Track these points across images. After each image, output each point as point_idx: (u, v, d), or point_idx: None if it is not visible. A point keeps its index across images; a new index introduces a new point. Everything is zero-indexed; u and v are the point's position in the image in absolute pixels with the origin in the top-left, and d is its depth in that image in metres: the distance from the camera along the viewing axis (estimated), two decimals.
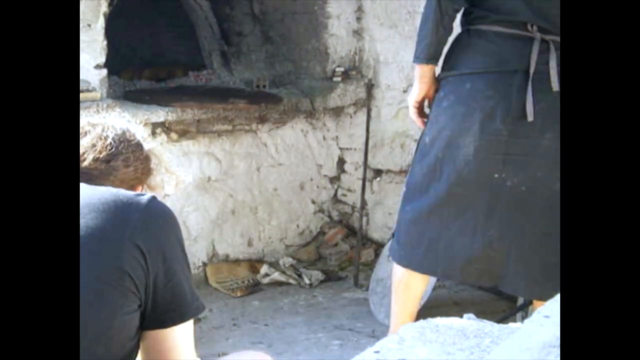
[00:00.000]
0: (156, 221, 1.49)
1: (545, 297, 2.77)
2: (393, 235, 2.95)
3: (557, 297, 1.51)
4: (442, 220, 2.75)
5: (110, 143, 1.67)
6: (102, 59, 3.49)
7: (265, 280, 4.01)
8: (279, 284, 4.02)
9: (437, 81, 2.77)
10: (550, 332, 1.35)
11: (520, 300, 3.57)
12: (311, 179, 4.39)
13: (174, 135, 3.82)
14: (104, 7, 3.48)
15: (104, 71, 3.51)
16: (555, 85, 2.58)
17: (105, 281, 1.42)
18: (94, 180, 1.60)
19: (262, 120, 4.09)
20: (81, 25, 3.35)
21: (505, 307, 3.69)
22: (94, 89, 3.44)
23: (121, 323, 1.45)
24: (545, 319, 1.43)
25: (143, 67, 4.42)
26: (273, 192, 4.22)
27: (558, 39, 2.60)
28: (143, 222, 1.46)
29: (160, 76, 4.38)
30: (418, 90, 2.78)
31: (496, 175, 2.66)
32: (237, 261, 4.14)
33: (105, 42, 3.49)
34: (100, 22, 3.46)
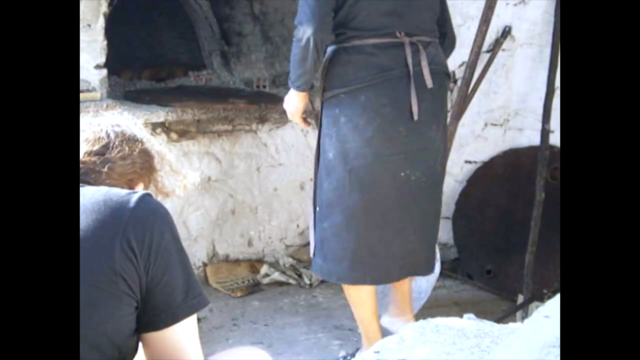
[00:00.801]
0: (147, 219, 1.43)
1: (430, 271, 3.13)
2: (314, 254, 3.05)
3: (557, 297, 1.52)
4: (362, 229, 2.91)
5: (104, 136, 1.64)
6: (102, 59, 3.48)
7: (265, 280, 4.01)
8: (279, 284, 4.02)
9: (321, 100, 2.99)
10: (550, 332, 1.35)
11: (520, 300, 3.58)
12: (311, 179, 4.37)
13: (174, 135, 3.81)
14: (104, 7, 3.48)
15: (104, 71, 3.51)
16: (429, 83, 2.86)
17: (97, 285, 1.38)
18: (89, 174, 1.56)
19: (262, 120, 4.08)
20: (81, 25, 3.35)
21: (505, 307, 3.69)
22: (94, 89, 3.44)
23: (116, 327, 1.42)
24: (545, 319, 1.43)
25: (143, 67, 4.41)
26: (273, 192, 4.22)
27: (423, 38, 2.89)
28: (133, 221, 1.42)
29: (160, 76, 4.38)
30: (299, 109, 3.04)
31: (402, 174, 2.90)
32: (237, 261, 4.14)
33: (105, 42, 3.49)
34: (100, 22, 3.45)
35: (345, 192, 2.90)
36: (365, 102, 2.86)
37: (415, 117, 2.86)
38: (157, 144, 1.75)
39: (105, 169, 1.58)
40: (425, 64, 2.86)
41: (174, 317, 1.47)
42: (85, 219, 1.41)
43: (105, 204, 1.43)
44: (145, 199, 1.46)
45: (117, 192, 1.47)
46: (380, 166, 2.88)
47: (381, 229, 2.92)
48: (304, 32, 2.79)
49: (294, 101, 3.03)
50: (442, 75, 2.98)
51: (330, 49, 2.91)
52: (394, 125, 2.87)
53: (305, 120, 3.15)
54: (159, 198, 1.69)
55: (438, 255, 3.65)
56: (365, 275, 2.97)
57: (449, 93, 3.48)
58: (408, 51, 2.85)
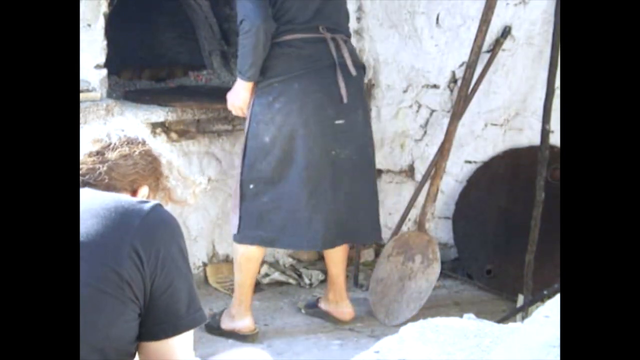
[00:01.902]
0: (157, 228, 1.45)
1: (378, 239, 3.63)
2: (240, 229, 3.36)
3: (557, 297, 1.51)
4: (300, 200, 3.29)
5: (104, 138, 1.64)
6: (102, 59, 3.48)
7: (265, 280, 4.01)
8: (279, 284, 4.02)
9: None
10: (550, 332, 1.35)
11: (521, 300, 3.58)
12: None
13: (174, 135, 3.81)
14: (104, 7, 3.47)
15: (104, 71, 3.51)
16: (352, 71, 3.31)
17: (104, 289, 1.39)
18: (88, 174, 1.56)
19: None
20: (81, 25, 3.35)
21: (505, 307, 3.69)
22: (94, 89, 3.44)
23: (119, 332, 1.42)
24: (545, 319, 1.44)
25: (143, 67, 4.41)
26: None
27: (342, 35, 3.34)
28: (144, 229, 1.43)
29: (160, 76, 4.38)
30: (246, 100, 3.34)
31: (333, 152, 3.33)
32: None
33: (105, 42, 3.49)
34: (100, 22, 3.45)
35: (284, 170, 3.27)
36: (299, 89, 3.26)
37: (345, 99, 3.28)
38: (165, 152, 1.74)
39: (105, 168, 1.58)
40: (348, 56, 3.31)
41: (175, 329, 1.48)
42: (96, 223, 1.41)
43: (116, 210, 1.44)
44: (157, 209, 1.47)
45: (129, 200, 1.48)
46: (313, 145, 3.27)
47: (316, 200, 3.30)
48: (253, 23, 3.12)
49: (241, 93, 3.33)
50: (360, 68, 3.43)
51: None
52: (325, 108, 3.29)
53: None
54: (169, 206, 1.69)
55: (438, 255, 3.66)
56: (303, 240, 3.37)
57: (450, 92, 3.61)
58: (331, 45, 3.28)
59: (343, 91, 3.28)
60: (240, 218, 3.36)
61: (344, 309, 3.56)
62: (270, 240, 3.38)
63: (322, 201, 3.32)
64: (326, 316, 3.60)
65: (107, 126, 1.69)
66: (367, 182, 3.48)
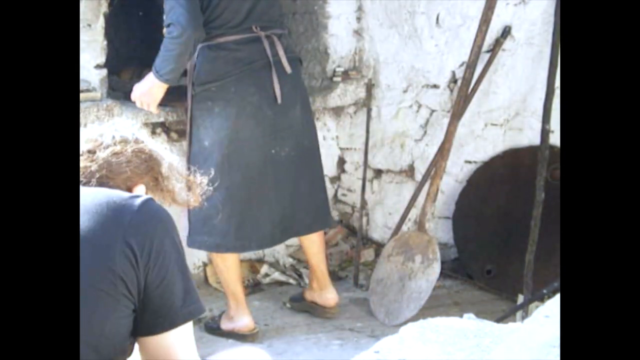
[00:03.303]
0: (149, 223, 1.44)
1: (323, 227, 3.65)
2: (190, 233, 3.40)
3: (557, 297, 1.51)
4: (242, 203, 3.33)
5: (97, 137, 1.63)
6: (102, 59, 3.48)
7: (265, 280, 4.01)
8: (279, 284, 4.02)
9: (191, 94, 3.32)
10: (550, 332, 1.35)
11: (521, 300, 3.57)
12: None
13: (174, 135, 3.81)
14: (104, 7, 3.48)
15: (104, 71, 3.51)
16: (287, 69, 3.33)
17: (97, 285, 1.38)
18: (81, 172, 1.55)
19: None
20: (81, 25, 3.35)
21: (505, 307, 3.69)
22: (94, 89, 3.44)
23: (113, 328, 1.42)
24: (545, 319, 1.44)
25: (143, 67, 4.41)
26: None
27: (276, 30, 3.34)
28: (135, 224, 1.42)
29: None
30: (158, 99, 3.35)
31: (273, 151, 3.37)
32: None
33: (105, 42, 3.49)
34: (100, 22, 3.45)
35: (225, 174, 3.25)
36: (235, 92, 3.28)
37: (279, 100, 3.32)
38: (166, 152, 1.73)
39: (95, 167, 1.57)
40: (282, 54, 3.32)
41: (171, 323, 1.47)
42: (87, 220, 1.41)
43: (108, 205, 1.43)
44: (148, 203, 1.46)
45: (120, 195, 1.47)
46: (253, 147, 3.32)
47: (259, 200, 3.35)
48: (184, 30, 3.08)
49: (155, 92, 3.31)
50: (297, 62, 3.46)
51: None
52: (262, 109, 3.32)
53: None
54: (170, 206, 1.68)
55: (438, 255, 3.66)
56: (251, 241, 3.42)
57: (450, 92, 3.44)
58: (266, 44, 3.28)
59: (278, 92, 3.31)
60: (190, 222, 3.40)
61: (328, 295, 3.63)
62: (214, 244, 3.39)
63: (266, 200, 3.37)
64: (312, 307, 3.64)
65: (102, 126, 1.68)
66: (309, 174, 3.52)
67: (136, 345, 1.53)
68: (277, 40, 3.33)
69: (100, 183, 1.56)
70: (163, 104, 3.68)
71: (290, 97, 3.38)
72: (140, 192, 1.62)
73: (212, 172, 3.20)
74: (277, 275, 4.03)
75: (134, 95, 3.39)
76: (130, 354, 1.52)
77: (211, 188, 3.23)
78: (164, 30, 3.15)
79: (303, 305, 3.67)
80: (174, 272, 1.47)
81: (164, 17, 3.15)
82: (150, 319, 1.46)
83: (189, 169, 3.21)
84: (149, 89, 3.31)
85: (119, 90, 3.99)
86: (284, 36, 3.40)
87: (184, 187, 1.75)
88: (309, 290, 3.67)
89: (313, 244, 3.59)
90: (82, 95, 3.33)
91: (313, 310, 3.64)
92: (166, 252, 1.46)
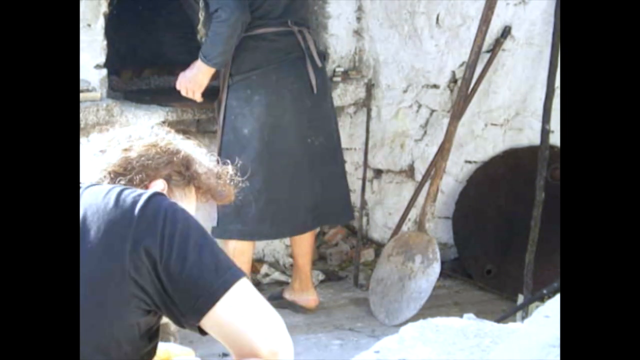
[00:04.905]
0: (156, 218, 1.41)
1: (348, 219, 3.91)
2: (220, 223, 3.46)
3: (557, 297, 1.51)
4: (281, 190, 3.42)
5: (110, 137, 1.62)
6: (102, 59, 3.48)
7: (265, 280, 4.01)
8: (279, 284, 4.02)
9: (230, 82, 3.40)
10: (550, 332, 1.35)
11: (521, 300, 3.57)
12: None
13: None
14: (104, 7, 3.48)
15: (104, 71, 3.51)
16: (318, 62, 3.49)
17: (106, 286, 1.37)
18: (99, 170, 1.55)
19: None
20: (81, 25, 3.35)
21: (505, 307, 3.69)
22: (94, 89, 3.44)
23: (123, 330, 1.39)
24: (545, 319, 1.44)
25: (143, 67, 4.41)
26: None
27: (305, 28, 3.50)
28: (143, 221, 1.39)
29: (160, 76, 4.37)
30: (204, 86, 3.44)
31: (309, 140, 3.50)
32: None
33: (105, 42, 3.49)
34: (100, 22, 3.45)
35: (264, 161, 3.36)
36: (277, 80, 3.40)
37: (315, 90, 3.45)
38: (193, 146, 1.71)
39: (110, 166, 1.56)
40: (314, 48, 3.48)
41: (212, 297, 1.41)
42: (98, 219, 1.39)
43: (117, 204, 1.41)
44: (153, 198, 1.43)
45: (129, 192, 1.44)
46: (292, 135, 3.44)
47: (295, 187, 3.46)
48: (232, 12, 3.19)
49: (201, 78, 3.40)
50: (323, 58, 3.64)
51: None
52: (302, 98, 3.45)
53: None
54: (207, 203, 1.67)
55: (438, 255, 3.66)
56: (285, 229, 3.54)
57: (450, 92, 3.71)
58: (299, 37, 3.43)
59: (314, 82, 3.45)
60: (218, 212, 3.42)
61: (309, 297, 3.65)
62: (248, 232, 3.45)
63: (301, 187, 3.47)
64: (292, 306, 3.64)
65: (114, 127, 1.67)
66: (337, 166, 3.66)
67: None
68: (308, 35, 3.49)
69: (114, 180, 1.54)
70: (163, 104, 3.70)
71: (322, 89, 3.53)
72: (158, 188, 1.58)
73: (250, 161, 3.26)
74: (277, 275, 4.03)
75: (179, 84, 3.45)
76: (152, 358, 1.49)
77: (246, 180, 3.29)
78: (212, 17, 3.24)
79: (282, 304, 3.63)
80: (195, 252, 1.41)
81: (207, 3, 3.26)
82: (193, 302, 1.40)
83: (220, 159, 3.21)
84: (195, 75, 3.39)
85: (119, 90, 4.00)
86: (311, 34, 3.56)
87: (217, 181, 1.71)
88: (290, 290, 3.68)
89: (304, 245, 3.61)
90: (82, 95, 3.33)
91: (293, 308, 3.64)
92: (181, 235, 1.41)
